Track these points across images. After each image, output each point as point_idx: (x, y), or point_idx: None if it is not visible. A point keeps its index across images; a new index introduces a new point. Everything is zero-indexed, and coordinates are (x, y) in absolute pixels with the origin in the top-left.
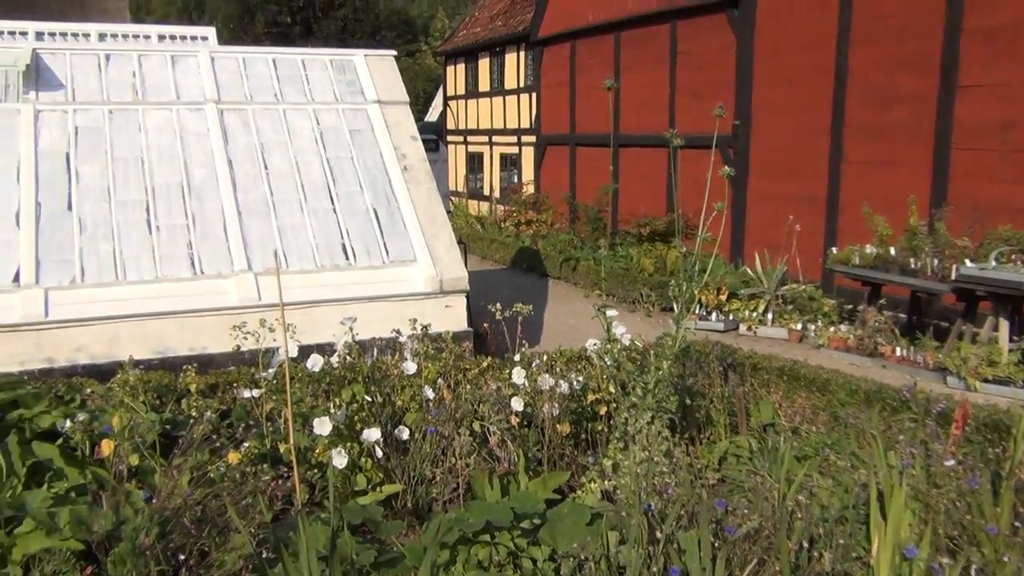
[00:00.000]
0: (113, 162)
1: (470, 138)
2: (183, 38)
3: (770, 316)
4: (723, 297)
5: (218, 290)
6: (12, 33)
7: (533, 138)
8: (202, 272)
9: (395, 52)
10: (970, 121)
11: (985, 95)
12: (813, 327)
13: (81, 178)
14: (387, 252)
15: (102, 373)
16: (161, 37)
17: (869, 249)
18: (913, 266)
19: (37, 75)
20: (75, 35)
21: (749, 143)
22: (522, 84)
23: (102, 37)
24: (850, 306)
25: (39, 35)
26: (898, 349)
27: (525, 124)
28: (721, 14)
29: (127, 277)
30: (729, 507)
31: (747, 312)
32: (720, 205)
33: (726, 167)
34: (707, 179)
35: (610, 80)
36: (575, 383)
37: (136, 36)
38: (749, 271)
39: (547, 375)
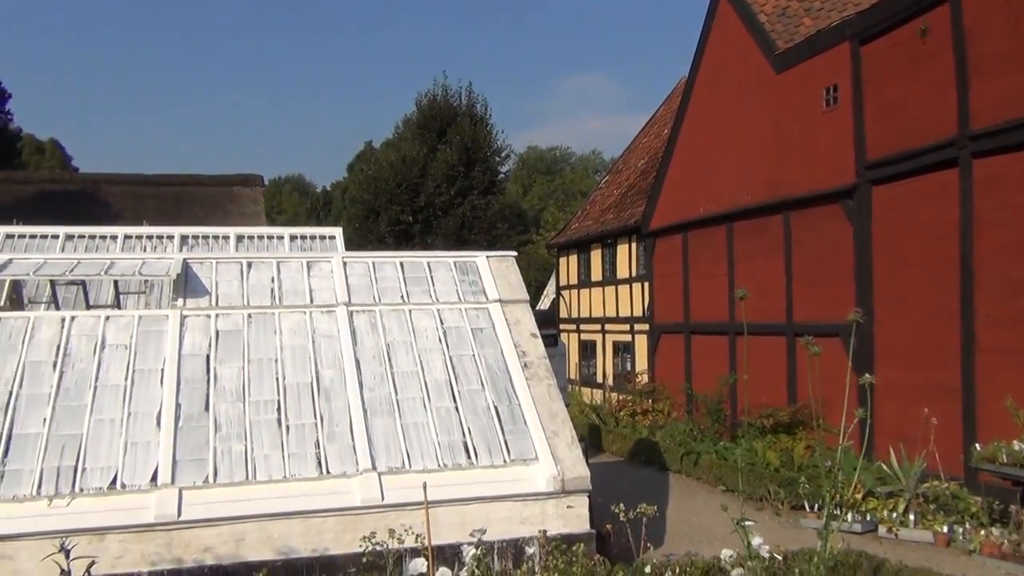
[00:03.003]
0: (249, 363)
1: (583, 326)
2: (312, 238)
3: (912, 517)
4: (859, 496)
5: (342, 490)
6: (160, 238)
7: (646, 326)
8: (328, 471)
9: (515, 253)
10: None
11: None
12: (961, 529)
13: (219, 379)
14: (508, 450)
15: (228, 574)
16: (293, 237)
17: (1017, 446)
18: None
19: (186, 283)
20: (216, 238)
21: (873, 332)
22: (634, 274)
23: (240, 239)
24: (1000, 506)
25: (184, 239)
26: None
27: (638, 312)
28: (836, 204)
29: (256, 477)
30: None
31: (886, 512)
32: (861, 412)
33: (867, 375)
34: (836, 370)
35: (742, 290)
36: None
37: (270, 237)
38: (884, 467)
39: None
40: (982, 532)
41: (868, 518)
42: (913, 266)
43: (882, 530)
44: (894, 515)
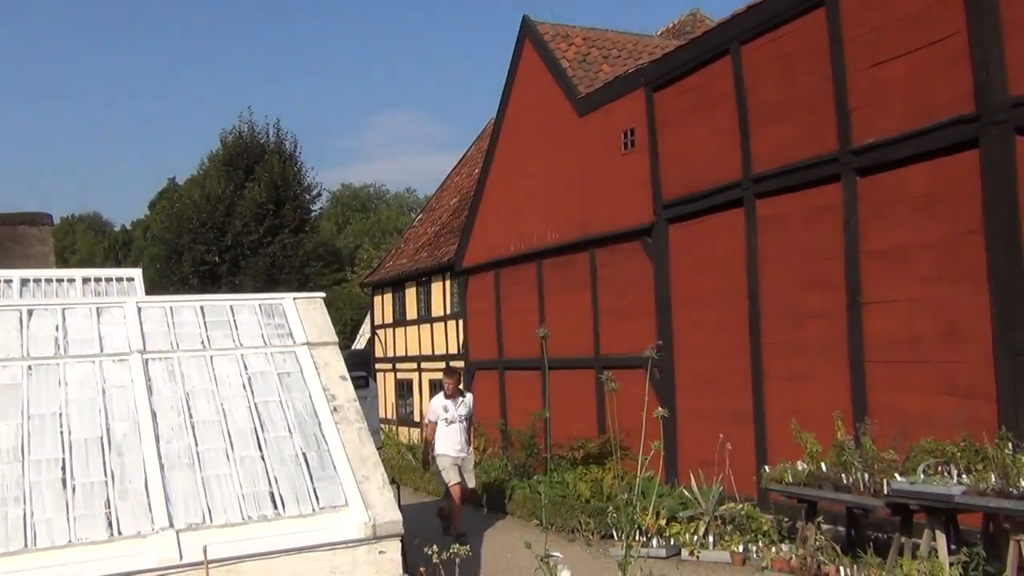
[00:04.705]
0: (29, 419)
1: (399, 365)
2: (108, 280)
3: (711, 539)
4: (663, 521)
5: (136, 551)
6: None
7: (462, 363)
8: (120, 532)
9: (323, 294)
10: (879, 335)
11: (888, 310)
12: (755, 548)
13: None
14: (317, 498)
15: None
16: (86, 280)
17: (801, 466)
18: (845, 482)
19: None
20: None
21: (673, 362)
22: (449, 311)
23: (24, 282)
24: (788, 523)
25: None
26: (842, 568)
27: (453, 350)
28: (636, 241)
29: (37, 544)
30: None
31: (688, 535)
32: (657, 444)
33: (660, 408)
34: (641, 401)
35: (543, 329)
36: None
37: (60, 280)
38: (686, 492)
39: None
40: (773, 549)
41: (672, 542)
42: (708, 299)
43: (685, 553)
44: (695, 538)
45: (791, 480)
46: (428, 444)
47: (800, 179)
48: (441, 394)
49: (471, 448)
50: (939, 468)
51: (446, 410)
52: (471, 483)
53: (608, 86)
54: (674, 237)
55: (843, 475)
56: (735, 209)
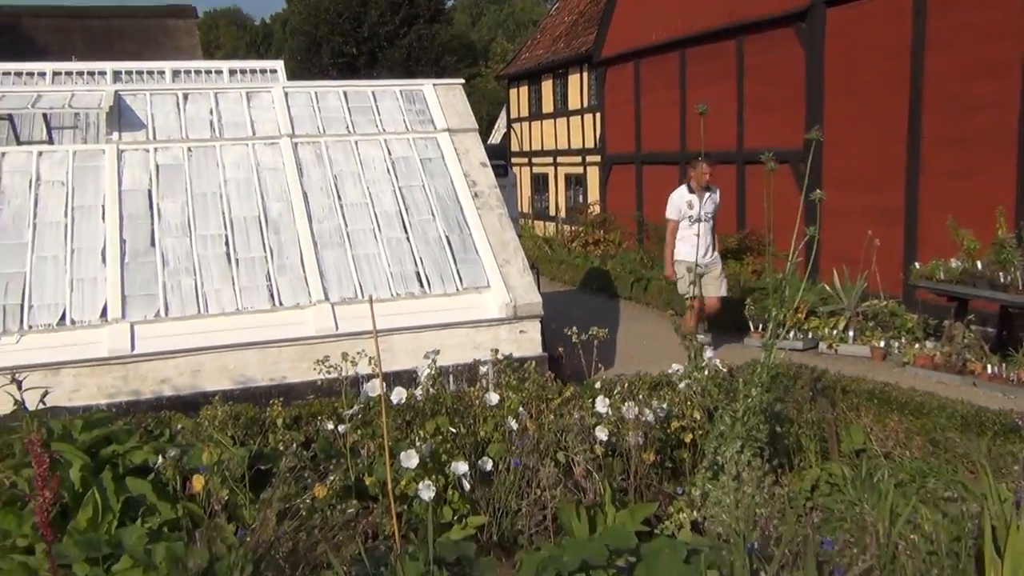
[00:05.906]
0: (193, 198)
1: (535, 159)
2: (253, 72)
3: (851, 333)
4: (801, 315)
5: (296, 320)
6: (92, 73)
7: (598, 158)
8: (280, 303)
9: (462, 80)
10: None
11: None
12: (897, 344)
13: (163, 214)
14: (460, 279)
15: (186, 404)
16: (232, 72)
17: (954, 263)
18: (1002, 280)
19: (119, 116)
20: (151, 73)
21: (821, 156)
22: (586, 104)
23: (176, 74)
24: (935, 321)
25: (116, 74)
26: (989, 366)
27: (590, 144)
28: (789, 28)
29: (208, 310)
30: (834, 545)
31: (827, 330)
32: (812, 229)
33: (819, 191)
34: (783, 196)
35: (702, 105)
36: (659, 410)
37: (208, 72)
38: (827, 287)
39: (631, 403)
40: (916, 346)
41: (810, 336)
42: (865, 90)
43: (822, 347)
44: (834, 332)
45: (943, 277)
46: (669, 248)
47: None
48: (684, 187)
49: (717, 252)
50: None
51: (691, 207)
52: (721, 291)
53: None
54: (831, 21)
55: (1000, 273)
56: None
